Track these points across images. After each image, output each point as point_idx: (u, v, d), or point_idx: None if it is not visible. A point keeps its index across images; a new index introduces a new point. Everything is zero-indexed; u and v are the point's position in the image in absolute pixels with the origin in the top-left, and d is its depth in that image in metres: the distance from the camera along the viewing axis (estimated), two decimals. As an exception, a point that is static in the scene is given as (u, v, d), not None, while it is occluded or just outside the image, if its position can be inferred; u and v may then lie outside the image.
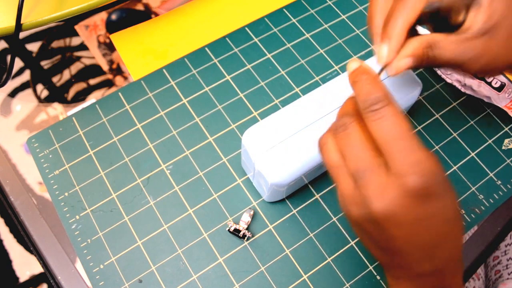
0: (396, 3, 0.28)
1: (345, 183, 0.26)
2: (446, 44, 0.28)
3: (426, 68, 0.47)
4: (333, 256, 0.38)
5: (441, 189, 0.24)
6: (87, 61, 0.50)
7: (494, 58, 0.28)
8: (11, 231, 0.96)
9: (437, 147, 0.43)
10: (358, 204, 0.25)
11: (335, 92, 0.35)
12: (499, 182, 0.42)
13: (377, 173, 0.24)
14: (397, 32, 0.28)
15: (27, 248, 0.94)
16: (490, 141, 0.43)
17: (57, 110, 0.47)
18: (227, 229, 0.38)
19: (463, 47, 0.28)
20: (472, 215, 0.40)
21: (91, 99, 0.48)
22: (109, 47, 0.50)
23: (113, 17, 0.51)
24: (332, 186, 0.41)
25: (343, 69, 0.46)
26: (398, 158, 0.24)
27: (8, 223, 0.97)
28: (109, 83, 0.49)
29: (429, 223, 0.24)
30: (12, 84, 0.49)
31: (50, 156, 0.42)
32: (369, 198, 0.24)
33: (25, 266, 0.93)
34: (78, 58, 0.50)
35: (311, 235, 0.39)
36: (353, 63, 0.28)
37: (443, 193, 0.24)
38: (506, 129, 0.44)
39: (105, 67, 0.50)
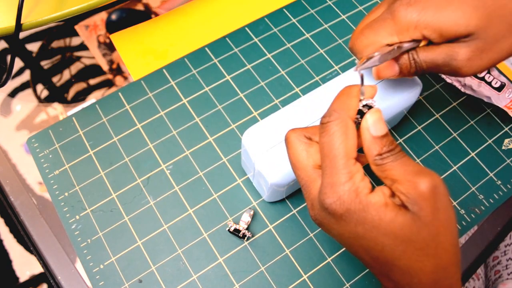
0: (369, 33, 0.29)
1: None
2: (430, 48, 0.29)
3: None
4: (333, 256, 0.38)
5: (352, 216, 0.24)
6: (87, 61, 0.50)
7: (485, 57, 0.28)
8: (11, 231, 0.96)
9: (437, 147, 0.43)
10: (309, 206, 0.27)
11: (335, 92, 0.35)
12: (499, 182, 0.42)
13: (311, 187, 0.27)
14: (372, 48, 0.29)
15: (27, 248, 0.94)
16: (490, 141, 0.43)
17: (57, 110, 0.47)
18: (227, 229, 0.38)
19: (451, 51, 0.28)
20: (472, 215, 0.40)
21: (91, 99, 0.48)
22: (109, 47, 0.50)
23: (113, 17, 0.51)
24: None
25: (343, 69, 0.46)
26: (324, 175, 0.25)
27: (8, 223, 0.97)
28: (109, 83, 0.49)
29: (353, 242, 0.25)
30: (12, 84, 0.49)
31: (50, 156, 0.42)
32: (307, 205, 0.27)
33: (25, 266, 0.93)
34: (78, 58, 0.50)
35: (311, 235, 0.39)
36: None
37: (360, 216, 0.24)
38: (506, 129, 0.44)
39: (105, 67, 0.50)
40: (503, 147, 0.43)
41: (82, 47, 0.51)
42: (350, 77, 0.36)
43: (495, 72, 0.44)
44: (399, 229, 0.23)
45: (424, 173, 0.24)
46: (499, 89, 0.43)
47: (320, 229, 0.39)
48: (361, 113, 0.26)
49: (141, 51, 0.48)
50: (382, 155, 0.25)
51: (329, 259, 0.38)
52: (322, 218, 0.26)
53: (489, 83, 0.44)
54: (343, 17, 0.50)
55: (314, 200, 0.26)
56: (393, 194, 0.25)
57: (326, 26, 0.49)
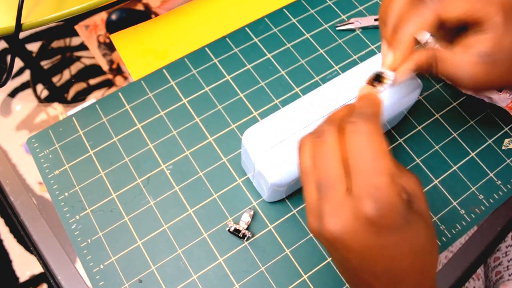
0: (409, 8, 0.28)
1: (310, 191, 0.25)
2: (451, 61, 0.28)
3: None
4: (333, 256, 0.38)
5: (400, 222, 0.22)
6: (87, 61, 0.50)
7: (490, 82, 0.28)
8: (11, 231, 0.96)
9: (437, 147, 0.43)
10: (315, 216, 0.24)
11: (335, 92, 0.35)
12: (499, 182, 0.42)
13: (337, 190, 0.23)
14: (405, 42, 0.28)
15: (27, 248, 0.94)
16: (490, 141, 0.43)
17: (57, 110, 0.47)
18: (227, 229, 0.38)
19: (463, 68, 0.27)
20: (472, 215, 0.40)
21: (91, 99, 0.48)
22: (109, 47, 0.50)
23: (113, 17, 0.51)
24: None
25: (343, 69, 0.46)
26: (360, 179, 0.22)
27: (8, 223, 0.97)
28: (109, 83, 0.49)
29: (385, 253, 0.23)
30: (12, 84, 0.49)
31: (50, 156, 0.42)
32: (323, 214, 0.23)
33: (25, 266, 0.93)
34: (78, 58, 0.50)
35: (311, 235, 0.39)
36: (365, 88, 0.29)
37: (403, 226, 0.22)
38: (506, 129, 0.44)
39: (105, 67, 0.50)
40: (503, 147, 0.43)
41: (82, 47, 0.51)
42: (350, 77, 0.36)
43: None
44: (423, 232, 0.23)
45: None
46: (500, 89, 0.43)
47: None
48: (378, 78, 0.29)
49: (141, 51, 0.48)
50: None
51: (329, 259, 0.38)
52: (353, 229, 0.22)
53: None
54: (343, 17, 0.50)
55: (338, 205, 0.23)
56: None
57: (326, 26, 0.49)
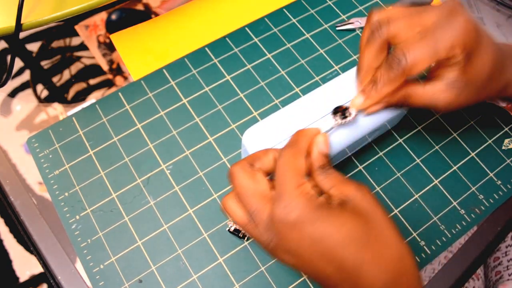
0: (385, 70, 0.31)
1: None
2: (423, 93, 0.32)
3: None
4: (333, 256, 0.38)
5: (312, 216, 0.26)
6: (87, 61, 0.50)
7: (460, 103, 0.32)
8: (11, 231, 0.96)
9: (437, 147, 0.43)
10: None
11: (335, 92, 0.35)
12: (499, 182, 0.42)
13: (262, 211, 0.28)
14: (376, 97, 0.32)
15: (27, 248, 0.94)
16: (490, 141, 0.43)
17: (57, 110, 0.47)
18: (227, 229, 0.38)
19: (436, 97, 0.32)
20: (472, 215, 0.40)
21: (91, 99, 0.48)
22: (109, 47, 0.50)
23: (113, 17, 0.51)
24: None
25: (343, 69, 0.46)
26: (276, 190, 0.28)
27: (8, 223, 0.97)
28: (109, 83, 0.49)
29: (317, 246, 0.26)
30: (12, 84, 0.49)
31: (50, 156, 0.42)
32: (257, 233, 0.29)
33: (25, 266, 0.93)
34: (78, 58, 0.50)
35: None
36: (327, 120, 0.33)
37: (319, 219, 0.26)
38: (506, 129, 0.44)
39: (105, 67, 0.50)
40: (503, 147, 0.43)
41: (82, 47, 0.51)
42: (350, 77, 0.36)
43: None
44: (350, 221, 0.26)
45: (351, 181, 0.29)
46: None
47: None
48: (342, 111, 0.33)
49: (141, 51, 0.48)
50: (323, 168, 0.29)
51: (329, 259, 0.38)
52: (277, 235, 0.27)
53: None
54: (343, 17, 0.50)
55: (267, 221, 0.28)
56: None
57: (326, 26, 0.49)
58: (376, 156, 0.42)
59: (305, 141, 0.30)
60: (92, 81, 0.49)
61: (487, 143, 0.43)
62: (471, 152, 0.43)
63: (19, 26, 0.40)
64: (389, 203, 0.40)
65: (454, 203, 0.40)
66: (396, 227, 0.27)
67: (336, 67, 0.47)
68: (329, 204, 0.27)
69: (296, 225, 0.26)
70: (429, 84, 0.32)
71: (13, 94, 0.48)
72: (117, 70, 0.49)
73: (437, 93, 0.32)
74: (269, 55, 0.47)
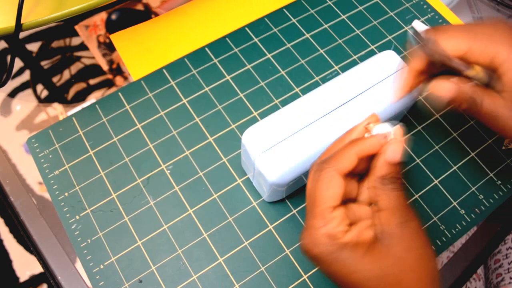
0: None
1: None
2: (498, 100, 0.27)
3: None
4: (333, 256, 0.38)
5: (325, 257, 0.26)
6: (87, 61, 0.50)
7: None
8: (11, 231, 0.96)
9: (437, 147, 0.43)
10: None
11: (335, 92, 0.35)
12: (499, 182, 0.42)
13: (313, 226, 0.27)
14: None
15: (27, 248, 0.94)
16: (490, 141, 0.43)
17: (57, 110, 0.47)
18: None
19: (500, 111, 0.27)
20: (472, 215, 0.40)
21: (91, 99, 0.48)
22: (109, 47, 0.50)
23: (113, 17, 0.51)
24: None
25: (343, 69, 0.46)
26: (306, 218, 0.28)
27: (8, 223, 0.97)
28: (109, 83, 0.49)
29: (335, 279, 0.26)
30: (12, 84, 0.49)
31: (50, 156, 0.42)
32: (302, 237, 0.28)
33: (25, 266, 0.93)
34: (78, 58, 0.50)
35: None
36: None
37: (332, 255, 0.25)
38: (506, 129, 0.44)
39: (105, 67, 0.50)
40: (503, 147, 0.43)
41: (82, 47, 0.51)
42: (350, 77, 0.36)
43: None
44: (370, 264, 0.25)
45: (407, 212, 0.25)
46: None
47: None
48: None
49: (141, 51, 0.48)
50: (384, 180, 0.26)
51: (329, 259, 0.38)
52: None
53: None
54: (343, 17, 0.50)
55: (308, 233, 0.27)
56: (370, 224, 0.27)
57: (326, 26, 0.49)
58: (376, 156, 0.42)
59: (353, 151, 0.27)
60: (92, 81, 0.49)
61: (487, 143, 0.43)
62: (471, 152, 0.43)
63: (19, 26, 0.40)
64: (389, 203, 0.40)
65: (454, 203, 0.40)
66: None
67: (336, 67, 0.47)
68: (355, 245, 0.25)
69: (317, 260, 0.26)
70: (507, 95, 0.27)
71: (13, 94, 0.48)
72: (117, 70, 0.49)
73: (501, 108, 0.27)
74: (269, 55, 0.47)
